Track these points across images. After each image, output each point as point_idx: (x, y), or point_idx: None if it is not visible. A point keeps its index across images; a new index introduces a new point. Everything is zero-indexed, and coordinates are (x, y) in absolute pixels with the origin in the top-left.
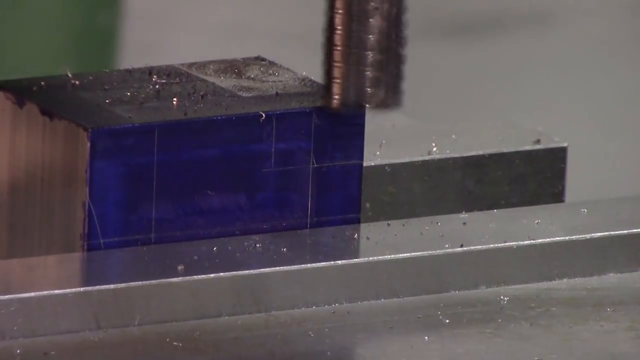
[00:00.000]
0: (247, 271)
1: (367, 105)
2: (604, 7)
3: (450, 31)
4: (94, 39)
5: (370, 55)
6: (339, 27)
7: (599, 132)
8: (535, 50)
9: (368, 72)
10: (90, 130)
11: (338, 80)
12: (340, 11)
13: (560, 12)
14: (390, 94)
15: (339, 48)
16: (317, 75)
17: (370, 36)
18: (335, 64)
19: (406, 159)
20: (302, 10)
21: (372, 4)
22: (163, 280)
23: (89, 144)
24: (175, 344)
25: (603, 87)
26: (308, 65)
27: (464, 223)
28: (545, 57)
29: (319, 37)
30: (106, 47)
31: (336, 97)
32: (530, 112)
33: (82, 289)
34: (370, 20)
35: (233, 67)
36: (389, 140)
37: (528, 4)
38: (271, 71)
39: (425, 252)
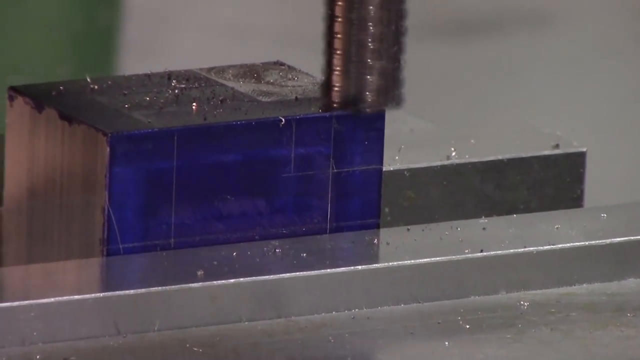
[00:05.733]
0: (267, 276)
1: (367, 106)
2: (606, 7)
3: (457, 31)
4: (94, 39)
5: (369, 56)
6: (338, 18)
7: (618, 136)
8: (544, 51)
9: (368, 73)
10: (109, 135)
11: (337, 82)
12: (339, 3)
13: (569, 12)
14: (391, 94)
15: (338, 51)
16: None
17: (370, 39)
18: (336, 57)
19: (425, 164)
20: (303, 10)
21: (372, 6)
22: (183, 285)
23: (108, 149)
24: (195, 349)
25: (618, 89)
26: (309, 66)
27: (484, 228)
28: (556, 57)
29: (319, 37)
30: (106, 47)
31: (335, 97)
32: (547, 115)
33: (101, 294)
34: (370, 22)
35: (252, 72)
36: (408, 145)
37: (533, 4)
38: (290, 76)
39: (445, 257)
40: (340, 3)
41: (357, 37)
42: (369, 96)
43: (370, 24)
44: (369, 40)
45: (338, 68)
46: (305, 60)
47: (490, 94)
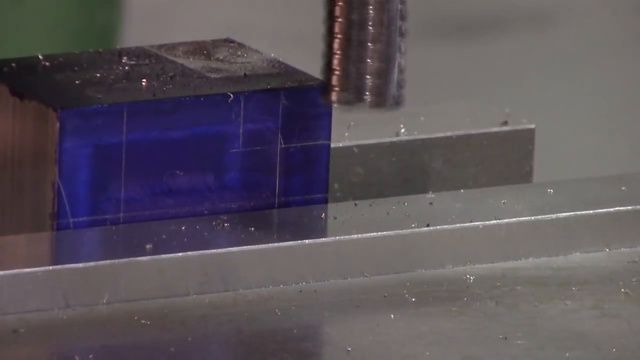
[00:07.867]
0: (215, 250)
1: (367, 107)
2: (602, 6)
3: (457, 31)
4: (94, 39)
5: (369, 57)
6: (338, 19)
7: (568, 116)
8: (545, 50)
9: (368, 74)
10: (59, 110)
11: (336, 85)
12: (339, 4)
13: (553, 12)
14: (390, 95)
15: (337, 51)
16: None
17: (370, 40)
18: (335, 59)
19: (374, 140)
20: (303, 10)
21: (372, 7)
22: (132, 259)
23: (58, 124)
24: (144, 322)
25: (581, 77)
26: (309, 67)
27: (431, 203)
28: (556, 56)
29: (320, 38)
30: (106, 47)
31: (335, 99)
32: (500, 94)
33: (51, 267)
34: (370, 23)
35: (202, 49)
36: (358, 121)
37: (524, 3)
38: (240, 53)
39: (391, 232)
40: (340, 4)
41: (357, 38)
42: (368, 97)
43: (370, 24)
44: (369, 41)
45: (338, 69)
46: (305, 61)
47: (489, 94)
